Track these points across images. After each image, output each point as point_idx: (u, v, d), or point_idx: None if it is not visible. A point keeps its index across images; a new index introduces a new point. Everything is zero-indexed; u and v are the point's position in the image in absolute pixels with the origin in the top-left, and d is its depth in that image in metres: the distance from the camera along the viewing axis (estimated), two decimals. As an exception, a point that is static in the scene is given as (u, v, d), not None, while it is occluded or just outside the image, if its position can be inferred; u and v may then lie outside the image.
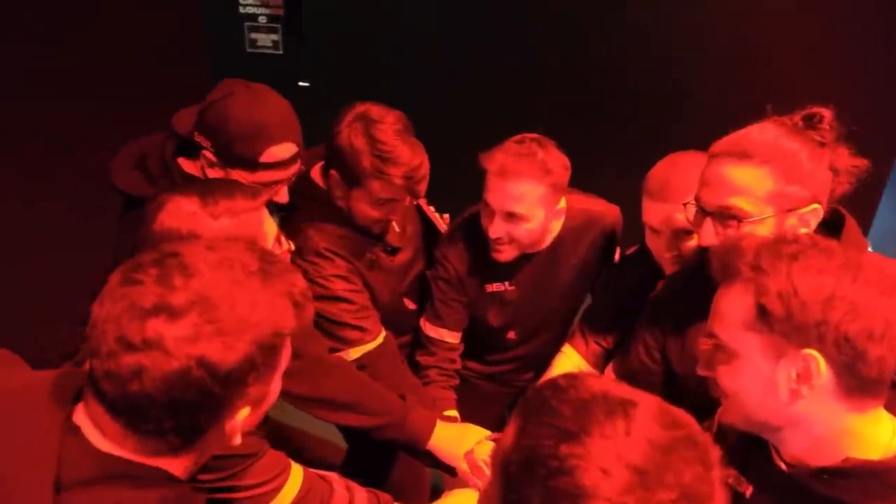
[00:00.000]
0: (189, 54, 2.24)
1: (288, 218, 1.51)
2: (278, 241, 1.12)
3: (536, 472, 0.60)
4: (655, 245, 1.40)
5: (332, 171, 1.44)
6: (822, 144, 1.07)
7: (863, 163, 1.08)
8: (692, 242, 1.32)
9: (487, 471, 1.23)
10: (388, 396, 1.42)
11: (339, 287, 1.47)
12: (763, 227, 1.05)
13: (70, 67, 1.93)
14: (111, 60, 1.96)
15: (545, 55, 2.93)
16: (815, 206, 1.07)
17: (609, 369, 1.44)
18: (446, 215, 1.87)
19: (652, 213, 1.37)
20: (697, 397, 1.08)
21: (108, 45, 2.00)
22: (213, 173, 1.27)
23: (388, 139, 1.37)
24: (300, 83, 4.09)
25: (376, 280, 1.57)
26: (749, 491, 0.93)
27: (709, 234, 1.10)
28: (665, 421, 0.63)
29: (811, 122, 1.07)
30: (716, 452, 0.63)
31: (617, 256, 1.72)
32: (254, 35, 4.17)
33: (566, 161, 1.49)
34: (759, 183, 1.05)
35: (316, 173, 1.52)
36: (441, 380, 1.67)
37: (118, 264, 0.73)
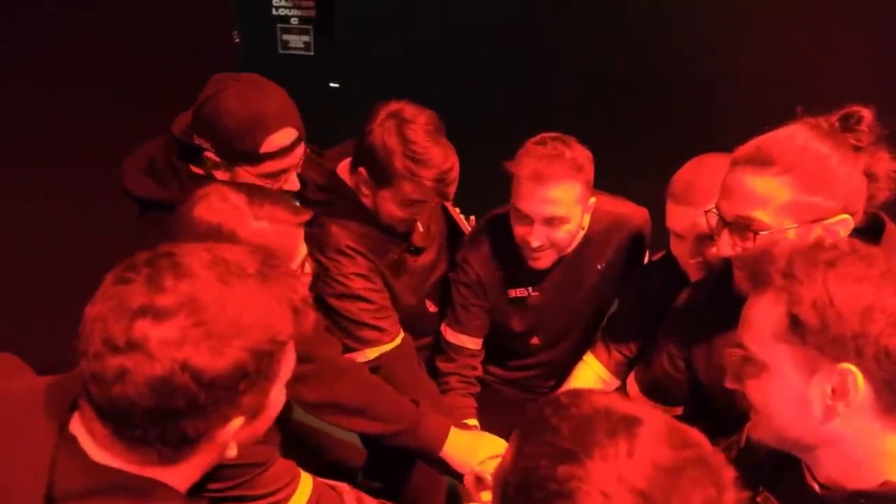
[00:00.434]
0: (219, 55, 2.26)
1: (313, 212, 1.50)
2: (301, 265, 1.11)
3: (533, 496, 0.58)
4: (680, 250, 1.35)
5: (361, 169, 1.42)
6: (858, 149, 1.01)
7: None
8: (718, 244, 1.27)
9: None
10: (401, 402, 1.40)
11: (359, 285, 1.46)
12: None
13: (99, 69, 1.96)
14: (141, 61, 1.99)
15: (576, 56, 2.88)
16: (844, 216, 1.00)
17: (631, 378, 1.40)
18: (472, 217, 1.85)
19: (676, 217, 1.32)
20: (724, 409, 1.04)
21: (138, 45, 2.03)
22: (220, 174, 1.26)
23: (421, 140, 1.36)
24: (331, 84, 4.12)
25: (399, 282, 1.56)
26: (779, 512, 0.88)
27: (726, 245, 1.05)
28: (673, 440, 0.60)
29: (848, 124, 1.01)
30: (729, 474, 0.59)
31: (646, 260, 1.67)
32: (286, 36, 4.21)
33: (590, 154, 1.45)
34: (777, 193, 1.00)
35: (343, 169, 1.50)
36: (461, 387, 1.64)
37: None
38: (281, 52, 4.21)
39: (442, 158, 1.37)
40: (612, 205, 1.60)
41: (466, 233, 1.73)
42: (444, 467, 1.41)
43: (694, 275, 1.34)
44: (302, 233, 1.09)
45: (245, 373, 0.68)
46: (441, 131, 1.41)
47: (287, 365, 0.76)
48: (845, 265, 0.76)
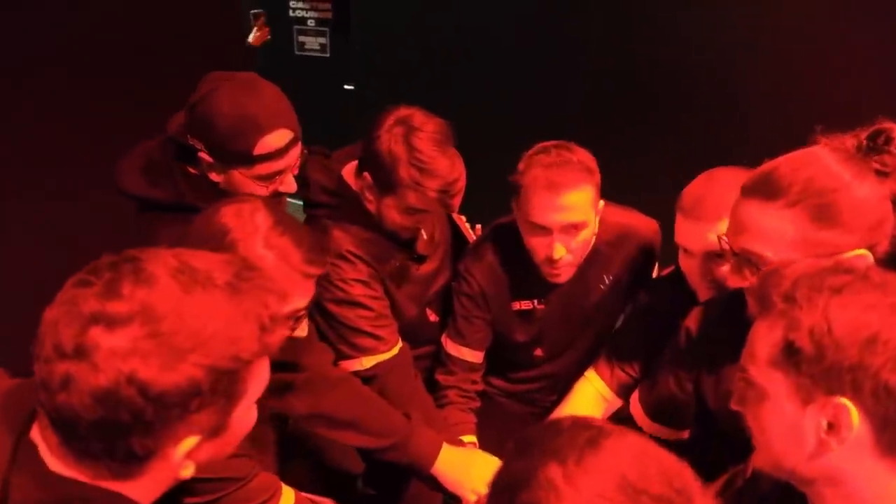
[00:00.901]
0: (232, 56, 2.25)
1: (315, 216, 1.48)
2: (294, 317, 1.06)
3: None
4: (688, 267, 1.30)
5: (366, 174, 1.39)
6: (885, 174, 0.93)
7: None
8: (727, 268, 1.22)
9: None
10: (393, 416, 1.36)
11: (358, 292, 1.43)
12: None
13: (113, 69, 1.96)
14: (149, 61, 1.99)
15: (592, 61, 2.84)
16: (861, 252, 0.92)
17: (635, 398, 1.35)
18: (478, 226, 1.81)
19: (684, 232, 1.27)
20: (733, 435, 0.99)
21: (146, 44, 2.02)
22: (215, 176, 1.23)
23: (428, 149, 1.31)
24: (345, 86, 4.12)
25: (400, 290, 1.52)
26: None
27: (734, 276, 1.00)
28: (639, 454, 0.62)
29: (875, 144, 0.94)
30: None
31: (655, 274, 1.62)
32: (302, 38, 4.24)
33: (592, 156, 1.41)
34: (783, 228, 0.93)
35: (348, 172, 1.47)
36: (460, 402, 1.59)
37: None
38: (297, 53, 4.23)
39: (448, 169, 1.33)
40: (622, 216, 1.56)
41: (471, 242, 1.69)
42: (436, 484, 1.37)
43: (703, 293, 1.28)
44: (307, 285, 1.05)
45: (199, 390, 0.64)
46: (449, 140, 1.37)
47: (256, 384, 0.71)
48: (853, 292, 0.70)
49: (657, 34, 2.69)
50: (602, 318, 1.61)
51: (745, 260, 0.98)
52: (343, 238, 1.42)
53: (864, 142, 0.94)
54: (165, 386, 0.62)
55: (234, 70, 1.26)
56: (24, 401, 0.69)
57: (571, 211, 1.36)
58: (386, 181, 1.35)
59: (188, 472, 0.69)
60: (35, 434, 0.68)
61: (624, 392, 1.46)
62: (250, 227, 0.99)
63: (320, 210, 1.47)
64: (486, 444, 1.56)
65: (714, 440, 1.25)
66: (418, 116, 1.35)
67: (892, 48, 2.29)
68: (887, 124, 0.95)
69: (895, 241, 0.96)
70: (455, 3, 3.15)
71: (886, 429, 0.68)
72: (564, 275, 1.45)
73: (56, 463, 0.66)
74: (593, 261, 1.51)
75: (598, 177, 1.40)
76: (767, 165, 0.98)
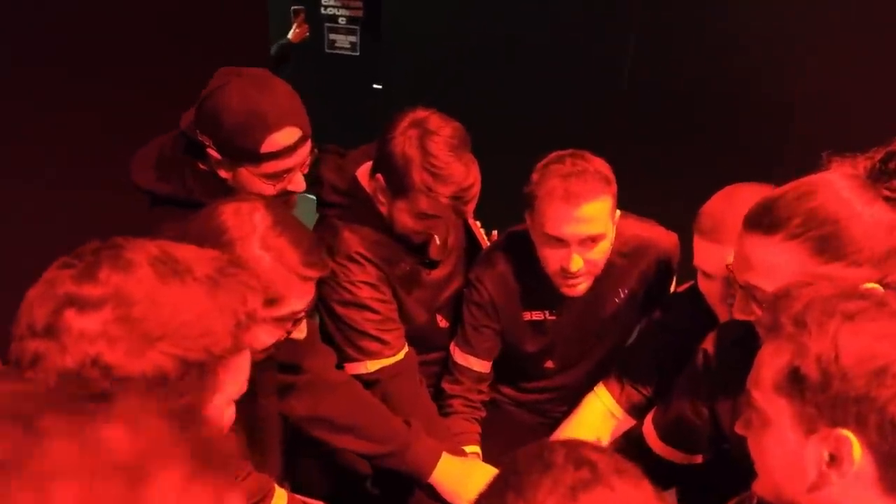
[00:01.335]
0: (256, 53, 2.25)
1: (326, 216, 1.46)
2: (294, 322, 1.05)
3: None
4: (708, 290, 1.24)
5: (379, 175, 1.37)
6: (895, 200, 0.87)
7: None
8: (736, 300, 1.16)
9: None
10: (393, 423, 1.34)
11: (366, 294, 1.41)
12: None
13: (139, 65, 1.97)
14: (175, 55, 2.00)
15: (625, 72, 2.78)
16: (871, 286, 0.86)
17: (648, 420, 1.30)
18: (494, 231, 1.78)
19: (703, 254, 1.21)
20: (748, 461, 0.95)
21: (170, 39, 2.04)
22: (223, 173, 1.22)
23: (442, 154, 1.28)
24: (374, 86, 4.12)
25: (410, 295, 1.50)
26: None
27: (741, 309, 0.95)
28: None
29: (886, 168, 0.87)
30: None
31: (672, 289, 1.56)
32: (333, 36, 4.24)
33: (608, 164, 1.37)
34: (784, 263, 0.88)
35: (362, 173, 1.45)
36: (465, 411, 1.56)
37: None
38: (327, 51, 4.24)
39: (462, 175, 1.29)
40: (640, 228, 1.50)
41: (485, 248, 1.66)
42: (434, 493, 1.34)
43: (724, 315, 1.23)
44: (305, 287, 1.03)
45: (165, 379, 0.63)
46: (465, 145, 1.33)
47: (231, 381, 0.70)
48: (866, 319, 0.66)
49: (687, 44, 2.62)
50: (616, 331, 1.57)
51: (750, 294, 0.93)
52: (353, 239, 1.41)
53: (877, 165, 0.88)
54: (130, 371, 0.61)
55: (259, 66, 1.25)
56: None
57: (589, 223, 1.31)
58: (398, 184, 1.32)
59: None
60: None
61: (634, 410, 1.41)
62: (248, 226, 0.98)
63: (332, 210, 1.45)
64: (492, 453, 1.53)
65: (727, 465, 1.20)
66: (434, 119, 1.32)
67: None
68: None
69: None
70: (486, 5, 3.12)
71: (891, 466, 0.64)
72: (581, 287, 1.41)
73: None
74: (609, 273, 1.46)
75: (614, 186, 1.35)
76: (770, 195, 0.93)
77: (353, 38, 4.17)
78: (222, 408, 0.71)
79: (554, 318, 1.52)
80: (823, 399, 0.66)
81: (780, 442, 0.71)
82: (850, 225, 0.86)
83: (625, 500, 0.57)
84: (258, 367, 0.83)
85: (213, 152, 1.19)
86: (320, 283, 1.36)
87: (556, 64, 2.95)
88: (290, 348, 1.13)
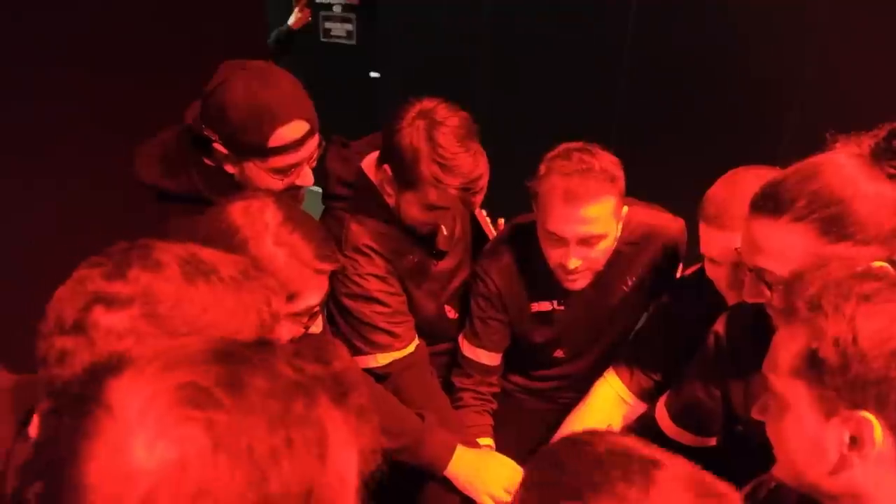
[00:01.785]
0: (253, 42, 2.23)
1: (333, 208, 1.46)
2: (309, 314, 1.05)
3: None
4: (716, 276, 1.24)
5: (386, 166, 1.36)
6: None
7: None
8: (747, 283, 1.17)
9: None
10: (406, 416, 1.34)
11: (375, 287, 1.41)
12: None
13: (135, 58, 1.95)
14: (171, 48, 1.97)
15: (626, 58, 2.77)
16: (880, 265, 0.87)
17: (661, 403, 1.31)
18: (500, 220, 1.77)
19: (709, 241, 1.21)
20: (762, 444, 0.95)
21: (168, 30, 2.01)
22: (230, 168, 1.21)
23: (451, 145, 1.27)
24: (371, 74, 4.09)
25: (418, 288, 1.50)
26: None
27: (752, 292, 0.95)
28: (696, 488, 0.55)
29: (890, 146, 0.87)
30: None
31: (679, 273, 1.56)
32: (328, 24, 4.20)
33: (618, 160, 1.35)
34: (792, 245, 0.89)
35: (368, 164, 1.44)
36: (476, 404, 1.56)
37: None
38: (322, 40, 4.20)
39: (471, 166, 1.28)
40: (646, 215, 1.50)
41: (491, 238, 1.66)
42: (451, 486, 1.35)
43: (733, 300, 1.23)
44: (320, 281, 1.03)
45: None
46: (473, 135, 1.32)
47: None
48: (883, 300, 0.66)
49: (690, 31, 2.60)
50: (624, 318, 1.57)
51: (760, 277, 0.94)
52: (360, 232, 1.40)
53: (881, 143, 0.88)
54: None
55: (256, 58, 1.23)
56: (26, 397, 0.70)
57: (590, 223, 1.31)
58: (406, 176, 1.31)
59: None
60: (32, 428, 0.68)
61: (645, 395, 1.42)
62: (259, 224, 0.98)
63: (338, 202, 1.45)
64: (504, 441, 1.55)
65: (741, 447, 1.21)
66: (442, 110, 1.30)
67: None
68: None
69: None
70: (483, -10, 3.10)
71: None
72: (580, 283, 1.41)
73: None
74: (616, 262, 1.46)
75: (621, 184, 1.33)
76: (774, 178, 0.94)
77: (348, 27, 4.13)
78: None
79: (562, 308, 1.52)
80: (842, 381, 0.66)
81: (799, 426, 0.71)
82: (855, 204, 0.87)
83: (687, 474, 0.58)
84: None
85: (219, 147, 1.18)
86: (329, 277, 1.37)
87: (556, 49, 2.93)
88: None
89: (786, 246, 0.89)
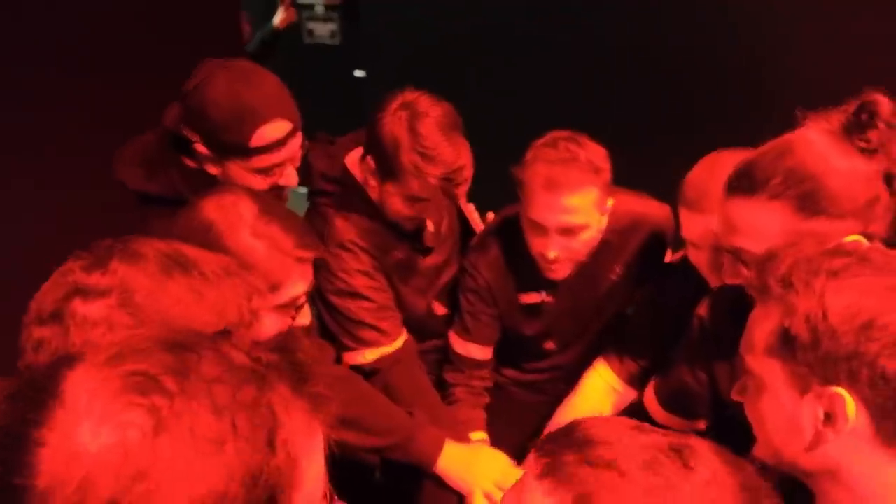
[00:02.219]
0: (230, 44, 2.22)
1: (317, 204, 1.45)
2: (297, 307, 1.04)
3: None
4: (697, 260, 1.25)
5: (369, 158, 1.36)
6: (871, 151, 0.88)
7: None
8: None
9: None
10: (394, 414, 1.34)
11: (360, 283, 1.40)
12: None
13: (112, 57, 1.94)
14: (146, 49, 1.96)
15: (613, 49, 2.77)
16: (855, 238, 0.88)
17: (650, 389, 1.32)
18: (489, 213, 1.77)
19: (689, 225, 1.22)
20: (745, 425, 0.96)
21: (143, 32, 2.00)
22: (211, 168, 1.21)
23: (432, 135, 1.27)
24: (356, 73, 4.08)
25: (405, 285, 1.50)
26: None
27: (730, 273, 0.96)
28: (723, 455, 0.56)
29: (859, 120, 0.88)
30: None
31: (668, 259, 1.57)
32: (311, 25, 4.18)
33: (605, 151, 1.35)
34: (769, 223, 0.89)
35: (352, 160, 1.44)
36: (469, 399, 1.56)
37: None
38: (306, 42, 4.19)
39: (453, 156, 1.29)
40: (633, 203, 1.50)
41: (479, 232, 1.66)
42: (443, 483, 1.35)
43: (714, 282, 1.24)
44: (303, 269, 1.03)
45: None
46: (457, 127, 1.33)
47: None
48: (851, 275, 0.67)
49: (678, 18, 2.61)
50: (614, 307, 1.57)
51: (738, 257, 0.95)
52: (345, 227, 1.40)
53: (850, 118, 0.89)
54: None
55: (227, 55, 1.23)
56: None
57: (571, 213, 1.31)
58: (388, 167, 1.31)
59: None
60: None
61: (635, 381, 1.43)
62: (234, 217, 0.97)
63: (322, 198, 1.45)
64: (498, 435, 1.55)
65: (730, 430, 1.22)
66: (424, 101, 1.31)
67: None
68: (872, 96, 0.89)
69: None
70: (467, -13, 3.09)
71: (885, 418, 0.65)
72: (560, 272, 1.41)
73: None
74: (603, 251, 1.46)
75: (606, 175, 1.34)
76: (748, 157, 0.94)
77: (332, 27, 4.11)
78: None
79: (551, 299, 1.53)
80: (814, 358, 0.66)
81: (775, 405, 0.71)
82: (828, 179, 0.87)
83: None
84: None
85: (200, 148, 1.18)
86: (315, 273, 1.37)
87: (543, 46, 2.93)
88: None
89: (762, 224, 0.90)
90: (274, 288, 0.97)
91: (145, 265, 0.67)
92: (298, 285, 1.02)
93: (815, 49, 2.39)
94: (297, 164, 1.26)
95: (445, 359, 1.60)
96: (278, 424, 0.46)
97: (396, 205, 1.36)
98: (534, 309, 1.54)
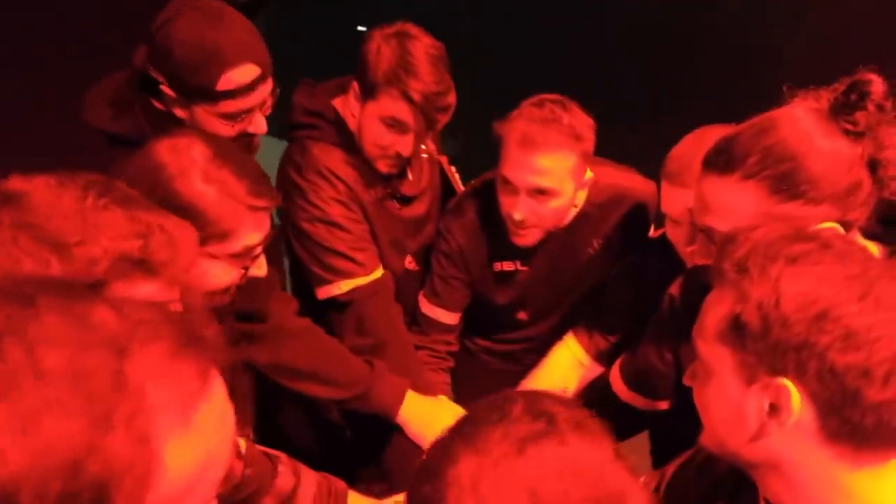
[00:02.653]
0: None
1: (296, 137, 1.41)
2: (252, 258, 1.01)
3: None
4: (675, 236, 1.22)
5: (354, 84, 1.35)
6: (857, 135, 0.83)
7: None
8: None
9: None
10: (355, 365, 1.33)
11: (336, 212, 1.36)
12: None
13: (92, 21, 1.87)
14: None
15: (612, 24, 2.70)
16: (830, 225, 0.84)
17: (615, 368, 1.30)
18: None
19: (670, 199, 1.19)
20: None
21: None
22: (178, 112, 1.16)
23: (418, 53, 1.27)
24: (359, 28, 3.98)
25: (381, 231, 1.45)
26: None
27: (700, 252, 0.93)
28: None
29: (848, 100, 0.83)
30: None
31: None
32: (314, -26, 4.06)
33: (592, 123, 1.31)
34: (742, 203, 0.86)
35: (338, 101, 1.41)
36: (432, 362, 1.54)
37: None
38: (308, -9, 4.07)
39: (435, 77, 1.28)
40: (617, 176, 1.46)
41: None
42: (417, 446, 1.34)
43: (691, 260, 1.22)
44: (257, 218, 0.99)
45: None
46: (445, 62, 1.32)
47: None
48: (810, 262, 0.63)
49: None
50: (590, 281, 1.54)
51: (709, 237, 0.91)
52: (323, 155, 1.36)
53: (839, 97, 0.84)
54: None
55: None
56: None
57: (542, 175, 1.28)
58: (369, 83, 1.30)
59: None
60: None
61: (603, 357, 1.42)
62: (186, 160, 0.93)
63: (301, 132, 1.40)
64: (466, 401, 1.54)
65: (691, 411, 1.21)
66: (416, 29, 1.31)
67: None
68: (865, 76, 0.83)
69: (881, 209, 0.87)
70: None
71: (831, 414, 0.63)
72: (528, 238, 1.38)
73: None
74: (582, 223, 1.43)
75: (586, 145, 1.30)
76: (729, 133, 0.90)
77: (335, -22, 3.99)
78: None
79: (525, 269, 1.50)
80: (763, 347, 0.63)
81: (722, 393, 0.69)
82: (808, 161, 0.83)
83: (577, 456, 0.55)
84: (215, 317, 0.82)
85: (166, 90, 1.14)
86: (286, 202, 1.34)
87: (540, 11, 2.86)
88: (249, 296, 1.11)
89: (734, 204, 0.87)
90: (224, 236, 0.94)
91: (37, 182, 0.68)
92: (252, 235, 0.99)
93: (815, 27, 2.33)
94: (268, 111, 1.22)
95: (413, 321, 1.58)
96: (124, 398, 0.41)
97: (373, 130, 1.33)
98: (507, 277, 1.52)
